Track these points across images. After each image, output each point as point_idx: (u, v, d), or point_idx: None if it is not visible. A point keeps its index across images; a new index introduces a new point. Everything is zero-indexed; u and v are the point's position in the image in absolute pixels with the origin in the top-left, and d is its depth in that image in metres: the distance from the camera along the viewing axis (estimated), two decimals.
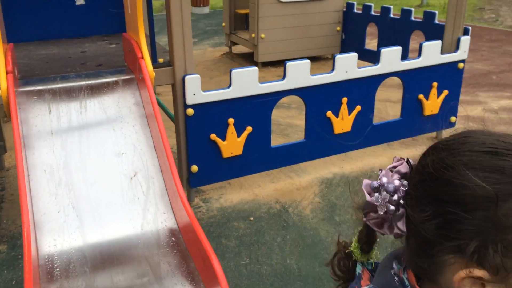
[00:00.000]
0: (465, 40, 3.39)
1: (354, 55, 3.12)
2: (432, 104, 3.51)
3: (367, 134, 3.41)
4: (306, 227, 2.73)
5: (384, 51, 3.18)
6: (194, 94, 2.73)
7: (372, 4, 5.63)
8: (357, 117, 3.30)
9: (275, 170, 3.29)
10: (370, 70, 3.20)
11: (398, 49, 3.22)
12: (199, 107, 2.77)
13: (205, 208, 2.90)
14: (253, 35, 5.91)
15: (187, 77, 2.70)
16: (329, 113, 3.18)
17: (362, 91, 3.24)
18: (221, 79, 5.51)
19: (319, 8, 5.99)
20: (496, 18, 8.94)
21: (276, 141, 3.83)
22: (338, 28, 6.24)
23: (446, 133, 3.88)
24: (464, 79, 5.44)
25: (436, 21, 4.59)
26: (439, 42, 3.29)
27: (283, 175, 3.34)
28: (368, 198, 0.78)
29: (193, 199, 2.95)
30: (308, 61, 3.00)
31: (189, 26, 2.68)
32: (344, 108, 3.22)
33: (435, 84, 3.43)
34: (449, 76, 3.46)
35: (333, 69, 3.10)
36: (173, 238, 1.91)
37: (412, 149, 3.69)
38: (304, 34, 6.06)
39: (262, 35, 5.87)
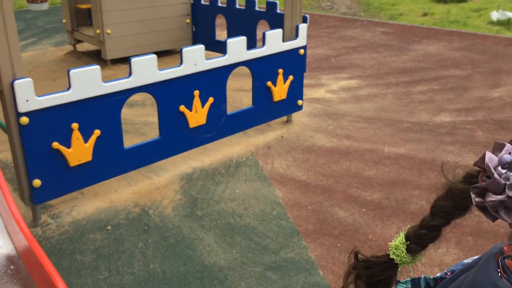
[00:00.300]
0: (303, 28, 3.61)
1: (201, 47, 3.10)
2: (280, 90, 3.68)
3: (223, 124, 3.45)
4: (168, 226, 2.67)
5: (230, 41, 3.22)
6: (27, 100, 2.45)
7: None
8: (211, 109, 3.31)
9: (132, 172, 3.15)
10: (219, 61, 3.22)
11: (243, 39, 3.29)
12: (35, 114, 2.49)
13: (55, 224, 2.65)
14: (98, 31, 5.56)
15: (16, 82, 2.41)
16: (182, 108, 3.13)
17: (213, 82, 3.25)
18: (66, 80, 5.07)
19: (165, 1, 5.87)
20: (332, 6, 9.76)
21: (132, 141, 3.66)
22: (188, 21, 6.19)
23: (294, 115, 4.12)
24: (308, 63, 5.82)
25: (278, 11, 4.83)
26: (280, 30, 3.45)
27: (141, 176, 3.21)
28: (496, 175, 0.64)
29: (39, 217, 2.67)
30: (155, 56, 2.90)
31: (12, 22, 2.38)
32: (197, 101, 3.20)
33: (280, 70, 3.60)
34: (292, 62, 3.65)
35: (181, 63, 3.05)
36: (12, 266, 1.69)
37: (267, 135, 3.84)
38: (153, 28, 5.89)
39: (108, 31, 5.56)
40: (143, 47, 5.79)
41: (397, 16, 8.29)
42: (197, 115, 3.22)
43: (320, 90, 4.90)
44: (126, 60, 5.70)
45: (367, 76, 5.24)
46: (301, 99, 3.94)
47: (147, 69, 2.86)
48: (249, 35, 5.14)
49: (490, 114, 4.00)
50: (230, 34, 5.52)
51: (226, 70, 3.31)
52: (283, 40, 3.54)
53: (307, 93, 4.79)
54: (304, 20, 3.97)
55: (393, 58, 5.84)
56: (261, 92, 3.60)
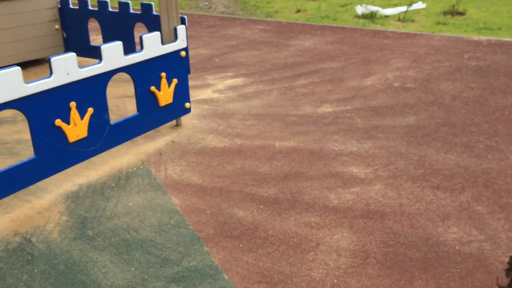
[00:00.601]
0: (181, 29, 3.52)
1: (72, 55, 2.86)
2: (165, 94, 3.56)
3: (107, 135, 3.24)
4: (56, 253, 2.42)
5: (105, 47, 3.03)
6: None
7: None
8: (92, 120, 3.09)
9: (7, 197, 2.81)
10: (94, 69, 3.00)
11: (119, 44, 3.11)
12: None
13: None
14: None
15: None
16: (59, 122, 2.87)
17: (90, 92, 3.03)
18: None
19: (29, 6, 5.37)
20: (210, 6, 9.79)
21: (4, 163, 3.29)
22: (57, 27, 5.74)
23: (184, 119, 4.03)
24: (192, 64, 5.77)
25: (154, 12, 4.68)
26: (157, 33, 3.33)
27: (19, 200, 2.88)
28: None
29: None
30: (18, 68, 2.60)
31: None
32: (74, 113, 2.95)
33: (163, 74, 3.48)
34: (174, 65, 3.55)
35: (51, 73, 2.79)
36: None
37: (157, 141, 3.70)
38: (17, 37, 5.36)
39: None
40: (7, 58, 5.24)
41: (273, 14, 8.57)
42: (76, 128, 2.98)
43: (207, 90, 4.86)
44: None
45: (251, 73, 5.32)
46: (189, 101, 3.86)
47: (10, 83, 2.56)
48: (127, 39, 4.93)
49: (365, 102, 4.31)
50: (106, 39, 5.23)
51: (104, 77, 3.10)
52: (162, 43, 3.43)
53: (194, 94, 4.73)
54: (183, 21, 3.89)
55: (274, 54, 6.02)
56: (145, 98, 3.45)
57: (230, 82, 5.10)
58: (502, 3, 8.24)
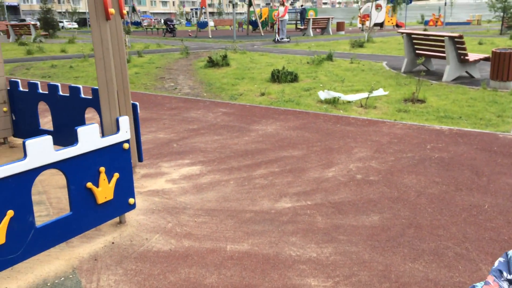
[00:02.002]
0: (124, 120, 3.24)
1: None
2: (104, 190, 3.20)
3: (31, 240, 2.81)
4: None
5: (30, 143, 2.69)
6: None
7: (38, 82, 5.11)
8: (11, 225, 2.67)
9: None
10: (16, 167, 2.64)
11: (47, 139, 2.77)
12: None
13: None
14: None
15: None
16: None
17: (10, 192, 2.64)
18: None
19: None
20: (175, 87, 9.72)
21: None
22: (5, 109, 5.43)
23: (129, 215, 3.63)
24: (148, 150, 5.47)
25: None
26: (95, 125, 3.03)
27: None
28: None
29: None
30: None
31: None
32: None
33: (102, 169, 3.14)
34: (116, 159, 3.23)
35: None
36: None
37: (95, 242, 3.27)
38: None
39: None
40: None
41: (237, 96, 8.53)
42: None
43: (160, 180, 4.52)
44: None
45: (209, 161, 5.05)
46: (133, 197, 3.50)
47: None
48: (76, 124, 4.63)
49: (326, 196, 4.04)
50: (56, 123, 4.92)
51: (29, 176, 2.73)
52: (103, 135, 3.13)
53: (146, 184, 4.37)
54: (134, 108, 3.64)
55: (235, 140, 5.81)
56: (80, 196, 3.08)
57: (185, 170, 4.78)
58: (460, 91, 8.46)
